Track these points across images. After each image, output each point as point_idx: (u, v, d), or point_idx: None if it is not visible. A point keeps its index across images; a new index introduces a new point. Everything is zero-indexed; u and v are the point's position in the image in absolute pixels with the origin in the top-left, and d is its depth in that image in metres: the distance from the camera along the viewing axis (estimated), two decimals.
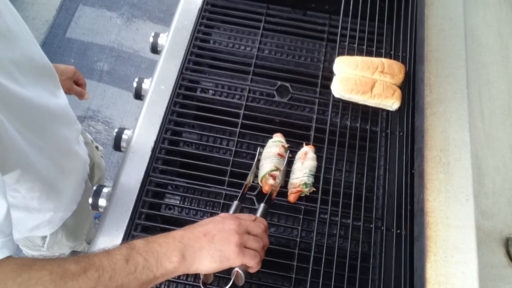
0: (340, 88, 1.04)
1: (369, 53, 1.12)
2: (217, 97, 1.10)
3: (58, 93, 1.02)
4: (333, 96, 1.07)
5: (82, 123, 2.36)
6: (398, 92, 1.03)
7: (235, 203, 0.85)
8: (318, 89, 1.10)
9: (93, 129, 2.42)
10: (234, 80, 1.11)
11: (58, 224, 1.18)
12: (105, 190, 1.00)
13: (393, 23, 1.19)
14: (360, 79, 1.03)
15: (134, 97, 1.18)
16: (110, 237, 0.92)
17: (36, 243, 1.23)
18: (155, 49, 1.24)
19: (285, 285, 0.90)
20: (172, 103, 1.07)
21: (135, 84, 1.18)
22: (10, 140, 0.80)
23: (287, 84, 1.10)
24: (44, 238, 1.21)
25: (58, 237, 1.25)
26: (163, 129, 1.03)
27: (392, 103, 1.03)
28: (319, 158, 0.99)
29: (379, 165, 1.02)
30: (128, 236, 0.91)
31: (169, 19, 1.96)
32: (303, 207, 0.96)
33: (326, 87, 1.10)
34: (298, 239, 0.93)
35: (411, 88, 1.09)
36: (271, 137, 1.02)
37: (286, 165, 0.96)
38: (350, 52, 1.12)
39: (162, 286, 0.95)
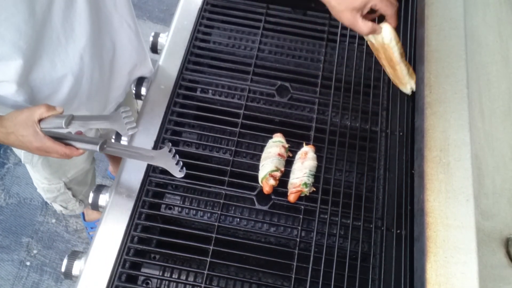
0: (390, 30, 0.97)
1: (369, 54, 1.12)
2: (217, 97, 1.10)
3: None
4: (333, 96, 1.07)
5: None
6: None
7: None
8: (318, 89, 1.10)
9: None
10: (234, 80, 1.11)
11: None
12: (105, 189, 1.00)
13: None
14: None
15: (134, 96, 1.19)
16: (109, 237, 0.92)
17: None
18: (155, 49, 1.24)
19: (285, 285, 0.90)
20: (172, 103, 1.07)
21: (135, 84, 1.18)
22: None
23: (287, 84, 1.10)
24: None
25: (34, 160, 1.28)
26: (163, 129, 1.03)
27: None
28: (319, 158, 0.99)
29: (379, 165, 1.02)
30: (128, 236, 0.92)
31: (169, 19, 1.96)
32: (303, 207, 0.96)
33: (326, 87, 1.10)
34: (298, 239, 0.93)
35: None
36: (271, 137, 1.02)
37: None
38: (351, 52, 1.12)
39: (162, 286, 0.95)
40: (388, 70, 1.06)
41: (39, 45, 0.92)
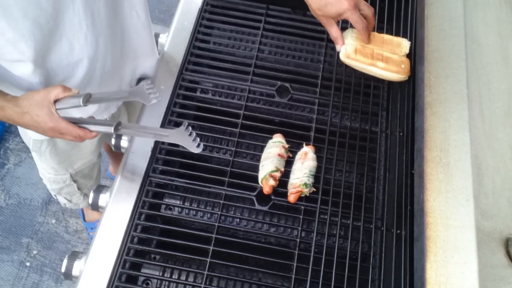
0: (351, 43, 1.06)
1: None
2: (217, 98, 1.10)
3: None
4: (333, 96, 1.07)
5: None
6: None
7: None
8: (318, 89, 1.10)
9: None
10: (234, 80, 1.11)
11: None
12: (105, 190, 1.00)
13: (393, 23, 1.19)
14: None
15: None
16: (110, 238, 0.92)
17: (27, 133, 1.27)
18: None
19: (284, 285, 0.90)
20: (172, 103, 1.07)
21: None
22: None
23: (287, 84, 1.10)
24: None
25: (43, 148, 1.29)
26: None
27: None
28: (319, 159, 0.99)
29: (379, 165, 1.02)
30: (128, 236, 0.92)
31: (169, 19, 1.97)
32: (303, 207, 0.96)
33: (326, 87, 1.10)
34: (298, 240, 0.93)
35: (411, 88, 1.09)
36: (271, 138, 1.02)
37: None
38: None
39: (162, 286, 0.95)
40: (387, 52, 1.07)
41: (60, 26, 0.92)
